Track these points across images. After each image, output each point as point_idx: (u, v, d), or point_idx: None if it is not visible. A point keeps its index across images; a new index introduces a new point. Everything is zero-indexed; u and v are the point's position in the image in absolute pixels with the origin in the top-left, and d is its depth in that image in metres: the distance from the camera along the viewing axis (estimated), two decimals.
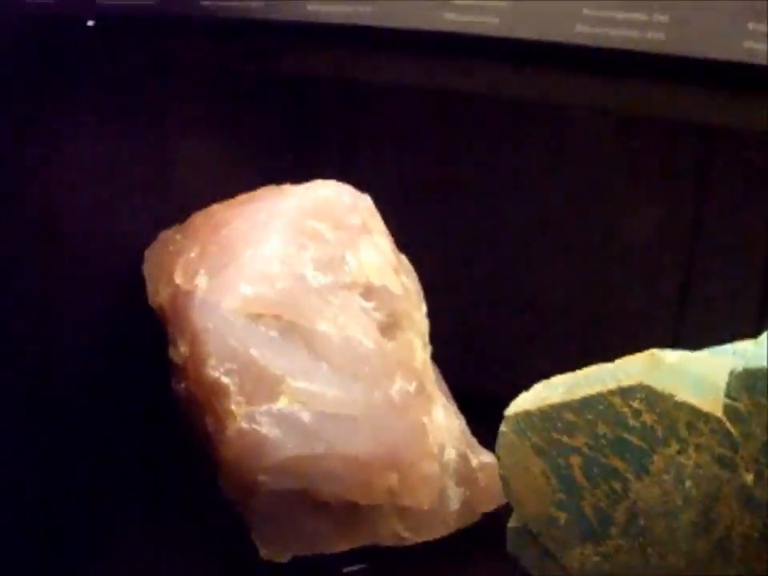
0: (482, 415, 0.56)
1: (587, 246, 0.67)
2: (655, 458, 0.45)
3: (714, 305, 0.64)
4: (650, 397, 0.44)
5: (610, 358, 0.48)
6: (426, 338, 0.60)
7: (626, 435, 0.45)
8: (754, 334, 0.46)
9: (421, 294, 0.61)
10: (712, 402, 0.43)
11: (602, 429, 0.46)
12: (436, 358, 0.61)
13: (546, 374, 0.50)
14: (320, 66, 0.62)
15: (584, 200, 0.65)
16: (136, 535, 0.59)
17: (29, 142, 0.57)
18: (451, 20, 0.52)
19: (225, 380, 0.53)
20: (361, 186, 0.61)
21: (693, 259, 0.64)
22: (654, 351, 0.46)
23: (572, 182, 0.65)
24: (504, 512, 0.54)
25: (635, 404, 0.45)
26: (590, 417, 0.46)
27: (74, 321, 0.61)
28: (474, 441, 0.60)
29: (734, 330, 0.50)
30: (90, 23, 0.57)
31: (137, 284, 0.61)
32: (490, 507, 0.59)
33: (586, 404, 0.46)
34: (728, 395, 0.43)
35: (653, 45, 0.48)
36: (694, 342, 0.49)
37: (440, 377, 0.62)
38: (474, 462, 0.58)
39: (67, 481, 0.60)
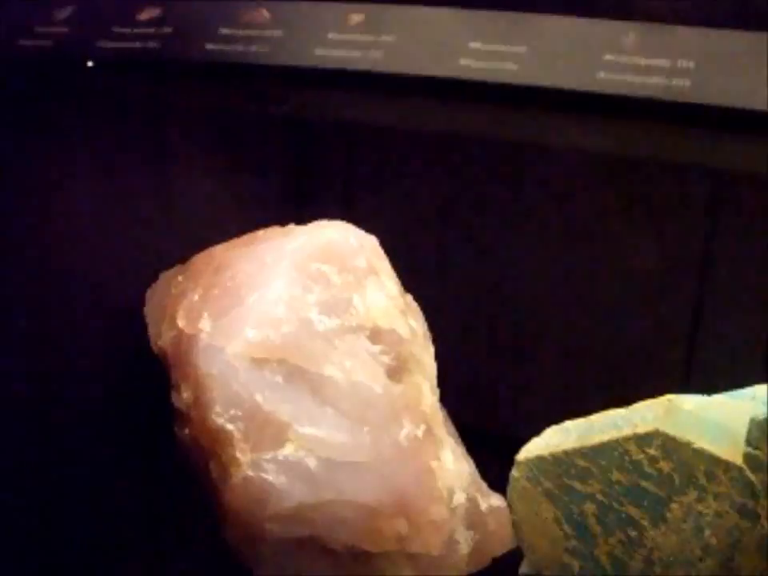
0: (491, 456, 0.57)
1: (595, 286, 0.66)
2: (673, 506, 0.44)
3: (723, 346, 0.63)
4: (667, 444, 0.43)
5: (620, 399, 0.47)
6: (434, 381, 0.58)
7: (642, 483, 0.44)
8: (764, 374, 0.45)
9: (428, 336, 0.60)
10: (732, 450, 0.42)
11: (616, 476, 0.45)
12: (443, 398, 0.60)
13: (555, 417, 0.49)
14: (324, 109, 0.61)
15: (592, 241, 0.64)
16: None
17: (27, 182, 0.56)
18: (467, 66, 0.51)
19: (229, 427, 0.52)
20: (362, 228, 0.60)
21: (701, 300, 0.63)
22: (671, 397, 0.45)
23: (580, 225, 0.65)
24: (514, 556, 0.53)
25: (651, 451, 0.44)
26: (604, 463, 0.45)
27: (73, 364, 0.60)
28: (483, 484, 0.59)
29: (745, 371, 0.49)
30: (90, 64, 0.55)
31: (138, 326, 0.60)
32: (499, 552, 0.58)
33: (600, 451, 0.45)
34: (749, 443, 0.42)
35: (678, 92, 0.46)
36: (704, 383, 0.48)
37: (447, 419, 0.60)
38: (484, 506, 0.57)
39: (65, 532, 0.59)
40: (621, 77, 0.47)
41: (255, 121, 0.67)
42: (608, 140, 0.53)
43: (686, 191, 0.60)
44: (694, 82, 0.46)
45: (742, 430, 0.42)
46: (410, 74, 0.53)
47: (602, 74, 0.48)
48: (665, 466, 0.44)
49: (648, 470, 0.44)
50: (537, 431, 0.49)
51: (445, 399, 0.60)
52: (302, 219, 0.60)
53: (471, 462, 0.59)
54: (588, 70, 0.48)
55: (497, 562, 0.58)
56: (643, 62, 0.47)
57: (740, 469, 0.42)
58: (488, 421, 0.70)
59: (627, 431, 0.44)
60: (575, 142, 0.54)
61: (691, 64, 0.47)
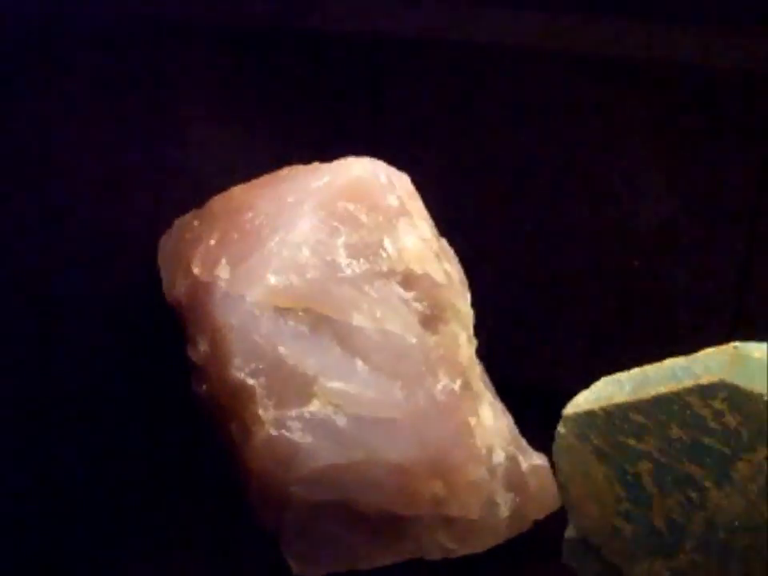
0: (531, 412, 0.55)
1: (642, 223, 0.63)
2: (739, 464, 0.41)
3: None
4: (735, 396, 0.40)
5: (667, 347, 0.45)
6: (471, 331, 0.56)
7: (704, 439, 0.42)
8: None
9: (465, 282, 0.58)
10: None
11: (676, 432, 0.42)
12: (479, 349, 0.57)
13: (601, 367, 0.47)
14: (348, 20, 0.57)
15: (639, 177, 0.62)
16: (151, 551, 0.57)
17: (30, 119, 0.53)
18: None
19: (250, 381, 0.50)
20: (388, 161, 0.57)
21: (752, 245, 0.59)
22: (737, 344, 0.42)
23: (630, 157, 0.62)
24: (557, 519, 0.52)
25: (716, 404, 0.41)
26: (662, 418, 0.42)
27: (83, 317, 0.58)
28: (523, 442, 0.57)
29: None
30: None
31: (151, 276, 0.58)
32: (542, 514, 0.56)
33: (658, 404, 0.42)
34: None
35: None
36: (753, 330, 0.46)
37: (484, 371, 0.58)
38: (525, 466, 0.55)
39: (73, 492, 0.57)
40: None
41: (268, 36, 0.63)
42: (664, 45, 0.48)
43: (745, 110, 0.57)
44: None
45: None
46: None
47: None
48: (731, 420, 0.41)
49: (712, 424, 0.41)
50: (580, 383, 0.46)
51: (481, 350, 0.58)
52: (322, 152, 0.57)
53: (510, 417, 0.57)
54: None
55: (539, 525, 0.56)
56: None
57: None
58: (528, 373, 0.67)
59: (688, 382, 0.42)
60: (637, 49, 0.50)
61: None
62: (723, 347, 0.42)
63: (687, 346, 0.44)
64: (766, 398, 0.40)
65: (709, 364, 0.42)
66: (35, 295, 0.54)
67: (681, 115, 0.60)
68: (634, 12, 0.47)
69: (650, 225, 0.63)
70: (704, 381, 0.41)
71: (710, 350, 0.42)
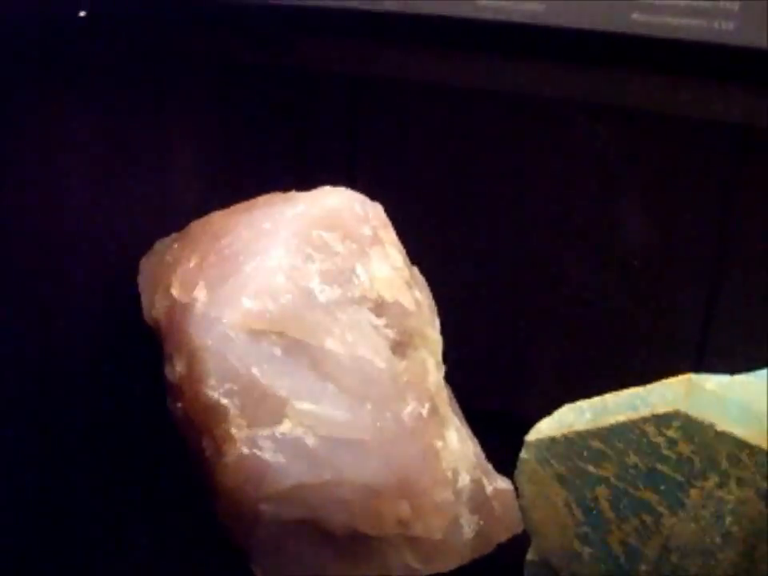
0: (497, 437, 0.55)
1: (607, 257, 0.64)
2: (692, 491, 0.42)
3: (740, 320, 0.61)
4: (688, 426, 0.41)
5: (633, 378, 0.46)
6: (440, 357, 0.57)
7: (659, 466, 0.43)
8: None
9: (434, 309, 0.58)
10: (758, 433, 0.40)
11: (632, 459, 0.43)
12: (447, 375, 0.58)
13: (567, 396, 0.47)
14: (326, 59, 0.58)
15: (606, 206, 0.63)
16: (121, 565, 0.57)
17: (19, 144, 0.54)
18: (485, 6, 0.48)
19: (224, 401, 0.50)
20: (365, 191, 0.58)
21: (718, 277, 0.61)
22: (692, 375, 0.43)
23: (596, 190, 0.63)
24: (520, 541, 0.52)
25: (670, 433, 0.42)
26: (619, 445, 0.43)
27: (64, 335, 0.58)
28: (488, 466, 0.57)
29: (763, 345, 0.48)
30: (82, 14, 0.53)
31: (131, 296, 0.58)
32: (505, 536, 0.56)
33: (616, 432, 0.43)
34: None
35: (720, 35, 0.43)
36: (719, 360, 0.49)
37: (452, 397, 0.59)
38: (489, 489, 0.56)
39: (44, 507, 0.57)
40: (657, 19, 0.44)
41: (254, 73, 0.65)
42: (635, 93, 0.50)
43: (710, 154, 0.58)
44: (738, 25, 0.43)
45: None
46: (421, 14, 0.49)
47: (636, 16, 0.44)
48: (684, 448, 0.42)
49: (666, 452, 0.42)
50: (547, 411, 0.47)
51: (449, 376, 0.58)
52: (300, 180, 0.58)
53: (476, 442, 0.58)
54: (621, 12, 0.45)
55: (502, 547, 0.56)
56: (682, 2, 0.44)
57: (766, 453, 0.40)
58: (494, 399, 0.68)
59: (645, 412, 0.43)
60: (599, 95, 0.51)
61: (735, 5, 0.43)
62: (679, 378, 0.43)
63: (650, 376, 0.44)
64: (716, 428, 0.41)
65: (665, 394, 0.42)
66: (16, 312, 0.55)
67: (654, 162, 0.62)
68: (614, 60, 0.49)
69: (617, 262, 0.64)
70: (659, 410, 0.42)
71: (666, 381, 0.43)
